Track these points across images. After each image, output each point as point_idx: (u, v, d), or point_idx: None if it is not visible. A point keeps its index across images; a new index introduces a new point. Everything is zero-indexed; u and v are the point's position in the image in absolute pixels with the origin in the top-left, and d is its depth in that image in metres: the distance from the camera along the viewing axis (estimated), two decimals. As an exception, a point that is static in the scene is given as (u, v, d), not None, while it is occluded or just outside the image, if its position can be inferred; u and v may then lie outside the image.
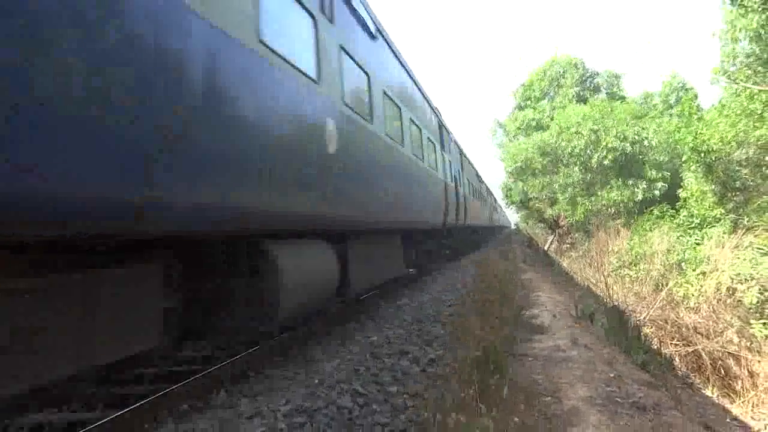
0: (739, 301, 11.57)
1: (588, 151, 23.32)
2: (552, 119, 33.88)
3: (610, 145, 22.49)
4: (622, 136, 22.43)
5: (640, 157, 22.84)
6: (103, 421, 3.32)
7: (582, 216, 23.99)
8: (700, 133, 16.99)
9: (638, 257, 16.64)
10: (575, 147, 23.69)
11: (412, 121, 9.32)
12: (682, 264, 14.76)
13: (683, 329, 10.99)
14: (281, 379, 4.55)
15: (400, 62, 8.76)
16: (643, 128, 22.93)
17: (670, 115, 25.21)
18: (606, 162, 22.65)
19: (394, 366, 4.88)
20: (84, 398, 4.11)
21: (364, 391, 4.10)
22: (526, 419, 3.65)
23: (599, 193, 23.34)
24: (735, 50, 15.40)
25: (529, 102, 37.49)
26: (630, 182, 22.57)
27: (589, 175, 24.05)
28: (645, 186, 22.12)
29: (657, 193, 21.81)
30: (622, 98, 29.45)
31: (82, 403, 4.03)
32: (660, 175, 22.06)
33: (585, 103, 29.26)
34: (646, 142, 22.56)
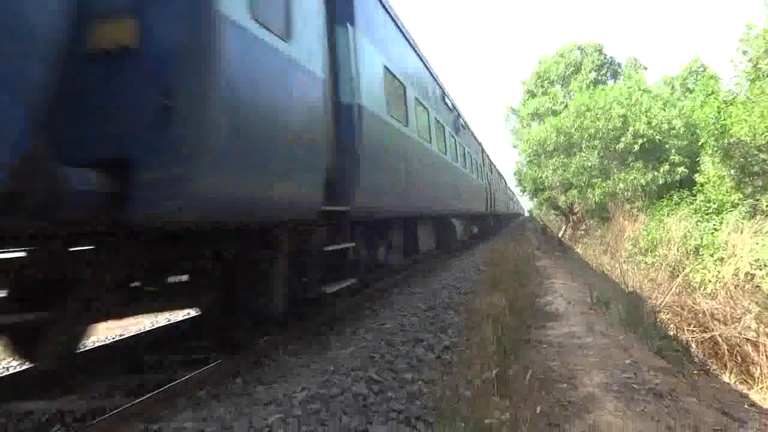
0: (758, 286, 11.42)
1: (613, 134, 22.69)
2: (566, 106, 33.53)
3: (641, 132, 21.87)
4: (653, 123, 21.83)
5: (665, 143, 22.33)
6: (121, 408, 3.37)
7: (601, 197, 23.45)
8: (722, 115, 16.61)
9: (654, 243, 16.47)
10: (600, 129, 23.00)
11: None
12: (699, 250, 14.58)
13: (700, 315, 10.86)
14: (297, 366, 4.58)
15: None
16: (671, 116, 22.32)
17: (693, 98, 24.49)
18: (635, 149, 22.07)
19: (409, 353, 4.89)
20: (103, 386, 4.18)
21: (379, 378, 4.12)
22: (542, 406, 3.64)
23: (617, 175, 22.80)
24: None
25: (542, 88, 37.19)
26: (651, 166, 22.03)
27: (606, 160, 23.60)
28: (667, 168, 21.61)
29: (678, 177, 21.35)
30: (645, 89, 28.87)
31: (100, 391, 4.10)
32: (682, 159, 21.58)
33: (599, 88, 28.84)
34: (673, 131, 22.03)
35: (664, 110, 22.71)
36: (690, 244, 15.04)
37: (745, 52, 16.12)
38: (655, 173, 21.69)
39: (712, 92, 18.53)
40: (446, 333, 5.78)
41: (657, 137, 21.87)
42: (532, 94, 37.87)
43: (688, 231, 15.84)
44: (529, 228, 39.70)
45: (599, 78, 34.94)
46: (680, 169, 21.37)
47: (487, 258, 13.28)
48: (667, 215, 18.39)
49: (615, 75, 36.74)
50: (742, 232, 13.85)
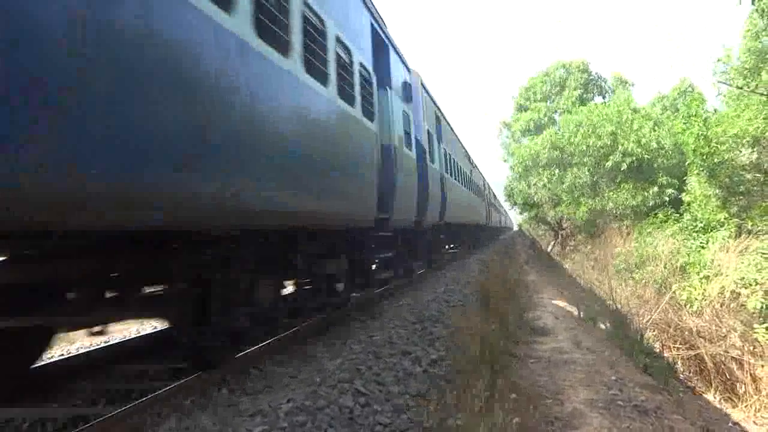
0: (743, 305, 11.52)
1: (602, 152, 22.87)
2: (549, 119, 34.01)
3: (629, 151, 22.06)
4: (642, 142, 22.04)
5: (654, 164, 22.56)
6: (106, 416, 3.32)
7: (584, 216, 23.64)
8: (703, 133, 16.89)
9: (642, 260, 16.59)
10: (591, 146, 23.18)
11: None
12: (686, 267, 14.70)
13: (686, 333, 10.94)
14: (283, 377, 4.55)
15: None
16: (660, 135, 22.54)
17: (681, 117, 24.89)
18: (623, 167, 22.26)
19: (396, 366, 4.87)
20: (87, 394, 4.12)
21: (366, 391, 4.10)
22: (528, 421, 3.64)
23: (606, 193, 22.97)
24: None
25: (528, 103, 37.72)
26: (641, 186, 22.21)
27: (596, 176, 23.78)
28: (656, 191, 21.85)
29: (667, 199, 21.59)
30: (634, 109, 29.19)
31: (83, 399, 4.04)
32: (671, 181, 21.83)
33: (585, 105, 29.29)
34: (662, 150, 22.28)
35: (655, 130, 22.99)
36: (677, 262, 15.17)
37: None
38: (645, 194, 21.90)
39: (696, 113, 18.67)
40: (434, 346, 5.77)
41: (646, 156, 22.09)
42: (523, 109, 38.25)
43: (675, 249, 15.99)
44: (518, 242, 39.85)
45: (585, 96, 35.45)
46: (669, 191, 21.61)
47: (485, 262, 13.29)
48: (653, 233, 18.58)
49: (601, 92, 37.31)
50: (728, 251, 14.00)
